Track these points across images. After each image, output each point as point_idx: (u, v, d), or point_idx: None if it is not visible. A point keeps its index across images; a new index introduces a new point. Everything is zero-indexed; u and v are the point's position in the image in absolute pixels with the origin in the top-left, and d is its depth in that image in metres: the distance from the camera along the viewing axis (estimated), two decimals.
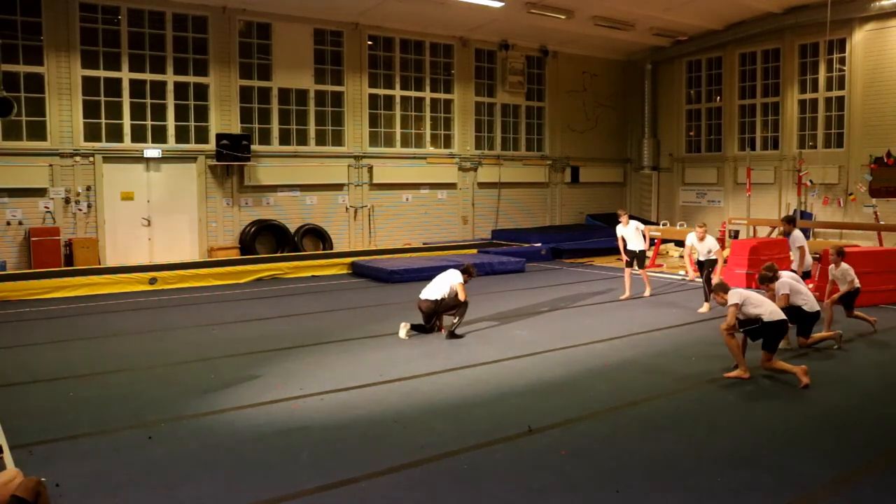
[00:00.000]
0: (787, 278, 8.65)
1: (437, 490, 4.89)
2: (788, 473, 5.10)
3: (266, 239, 17.17)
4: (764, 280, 8.61)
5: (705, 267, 11.57)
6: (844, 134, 18.72)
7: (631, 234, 12.62)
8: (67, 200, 14.97)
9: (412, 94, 19.32)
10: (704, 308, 11.30)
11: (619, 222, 12.69)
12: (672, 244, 18.95)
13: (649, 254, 12.66)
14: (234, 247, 16.65)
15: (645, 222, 20.19)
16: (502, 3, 17.27)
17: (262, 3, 16.52)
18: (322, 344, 9.09)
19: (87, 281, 13.01)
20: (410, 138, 19.43)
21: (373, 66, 18.62)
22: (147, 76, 15.74)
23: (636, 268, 12.70)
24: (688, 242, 11.93)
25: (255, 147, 16.81)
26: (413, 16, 18.04)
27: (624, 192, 23.88)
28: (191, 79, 16.25)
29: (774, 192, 19.97)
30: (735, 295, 7.63)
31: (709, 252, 11.52)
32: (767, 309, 7.49)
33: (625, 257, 12.60)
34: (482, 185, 20.50)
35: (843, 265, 9.76)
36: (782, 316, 7.56)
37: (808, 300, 8.59)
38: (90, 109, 15.22)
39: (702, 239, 11.53)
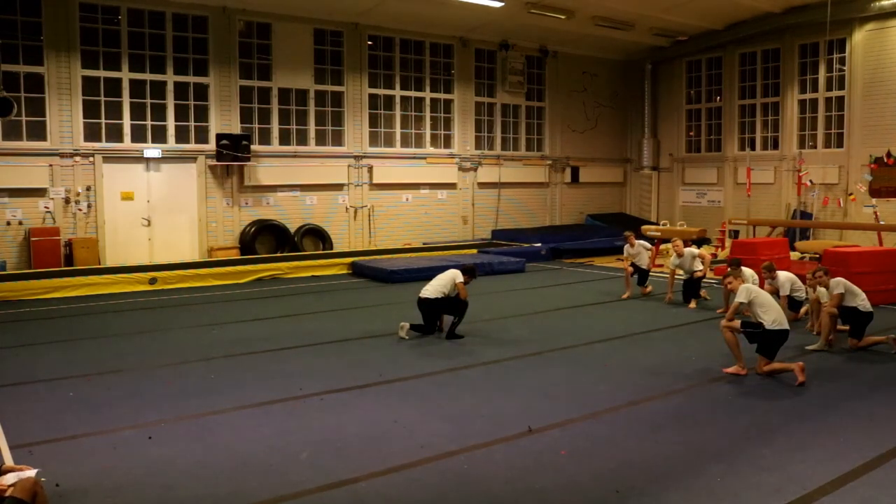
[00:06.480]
0: (840, 278, 8.70)
1: (437, 490, 4.89)
2: (788, 473, 5.11)
3: (266, 239, 17.16)
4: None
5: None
6: (844, 134, 18.71)
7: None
8: (67, 200, 14.97)
9: (412, 94, 19.31)
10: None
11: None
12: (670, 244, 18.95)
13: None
14: (234, 247, 16.64)
15: (645, 222, 20.37)
16: (502, 3, 17.27)
17: (262, 3, 16.51)
18: (322, 344, 9.09)
19: (87, 281, 13.00)
20: (410, 138, 19.42)
21: (373, 66, 18.61)
22: (147, 76, 15.73)
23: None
24: (672, 264, 12.08)
25: (255, 147, 16.80)
26: (413, 16, 18.03)
27: (624, 192, 23.87)
28: (191, 79, 16.24)
29: (774, 192, 19.97)
30: (744, 292, 7.61)
31: (694, 259, 11.83)
32: (772, 316, 7.47)
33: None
34: (482, 185, 20.49)
35: (780, 275, 9.96)
36: (786, 326, 7.54)
37: (864, 301, 8.56)
38: (90, 109, 15.21)
39: (681, 254, 11.80)
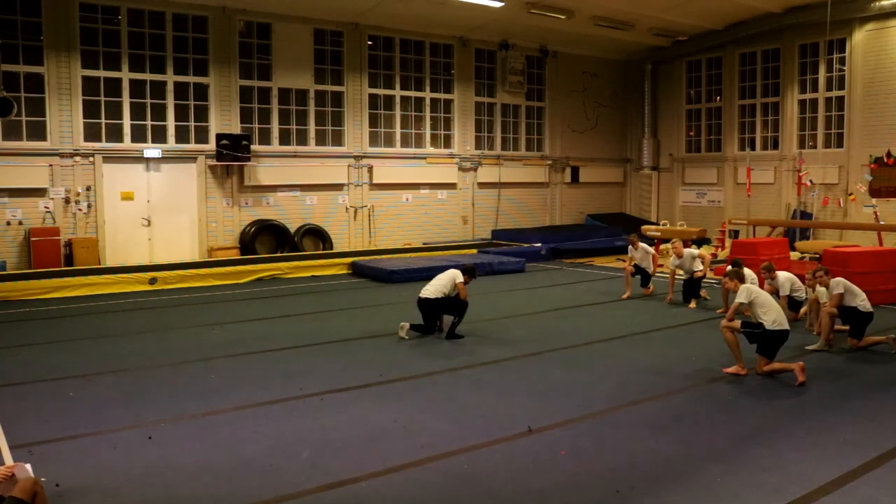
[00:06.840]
0: (840, 278, 8.70)
1: (437, 490, 4.89)
2: (788, 473, 5.11)
3: (266, 239, 17.16)
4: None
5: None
6: (844, 134, 18.71)
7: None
8: (67, 200, 14.97)
9: (412, 94, 19.31)
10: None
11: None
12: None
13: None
14: (234, 247, 16.63)
15: (645, 222, 20.38)
16: (502, 3, 17.26)
17: (262, 3, 16.51)
18: (322, 344, 9.09)
19: (87, 281, 13.00)
20: (410, 138, 19.42)
21: (373, 66, 18.61)
22: (147, 76, 15.73)
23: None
24: (672, 265, 12.02)
25: (255, 147, 16.80)
26: (413, 16, 18.03)
27: (624, 192, 23.87)
28: (191, 79, 16.24)
29: (774, 192, 19.97)
30: (744, 293, 7.61)
31: (694, 259, 11.79)
32: (772, 317, 7.47)
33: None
34: (482, 185, 20.49)
35: (780, 275, 10.03)
36: (786, 326, 7.54)
37: (864, 301, 8.54)
38: (90, 109, 15.21)
39: (680, 255, 11.75)
